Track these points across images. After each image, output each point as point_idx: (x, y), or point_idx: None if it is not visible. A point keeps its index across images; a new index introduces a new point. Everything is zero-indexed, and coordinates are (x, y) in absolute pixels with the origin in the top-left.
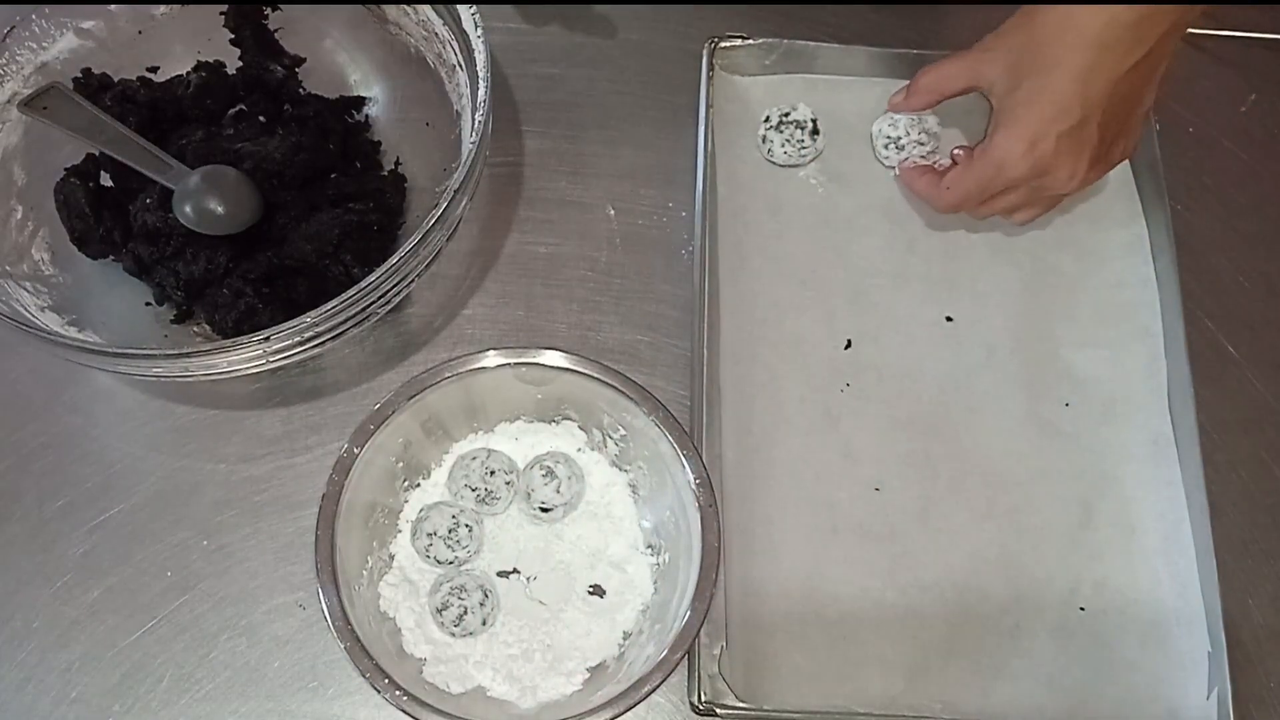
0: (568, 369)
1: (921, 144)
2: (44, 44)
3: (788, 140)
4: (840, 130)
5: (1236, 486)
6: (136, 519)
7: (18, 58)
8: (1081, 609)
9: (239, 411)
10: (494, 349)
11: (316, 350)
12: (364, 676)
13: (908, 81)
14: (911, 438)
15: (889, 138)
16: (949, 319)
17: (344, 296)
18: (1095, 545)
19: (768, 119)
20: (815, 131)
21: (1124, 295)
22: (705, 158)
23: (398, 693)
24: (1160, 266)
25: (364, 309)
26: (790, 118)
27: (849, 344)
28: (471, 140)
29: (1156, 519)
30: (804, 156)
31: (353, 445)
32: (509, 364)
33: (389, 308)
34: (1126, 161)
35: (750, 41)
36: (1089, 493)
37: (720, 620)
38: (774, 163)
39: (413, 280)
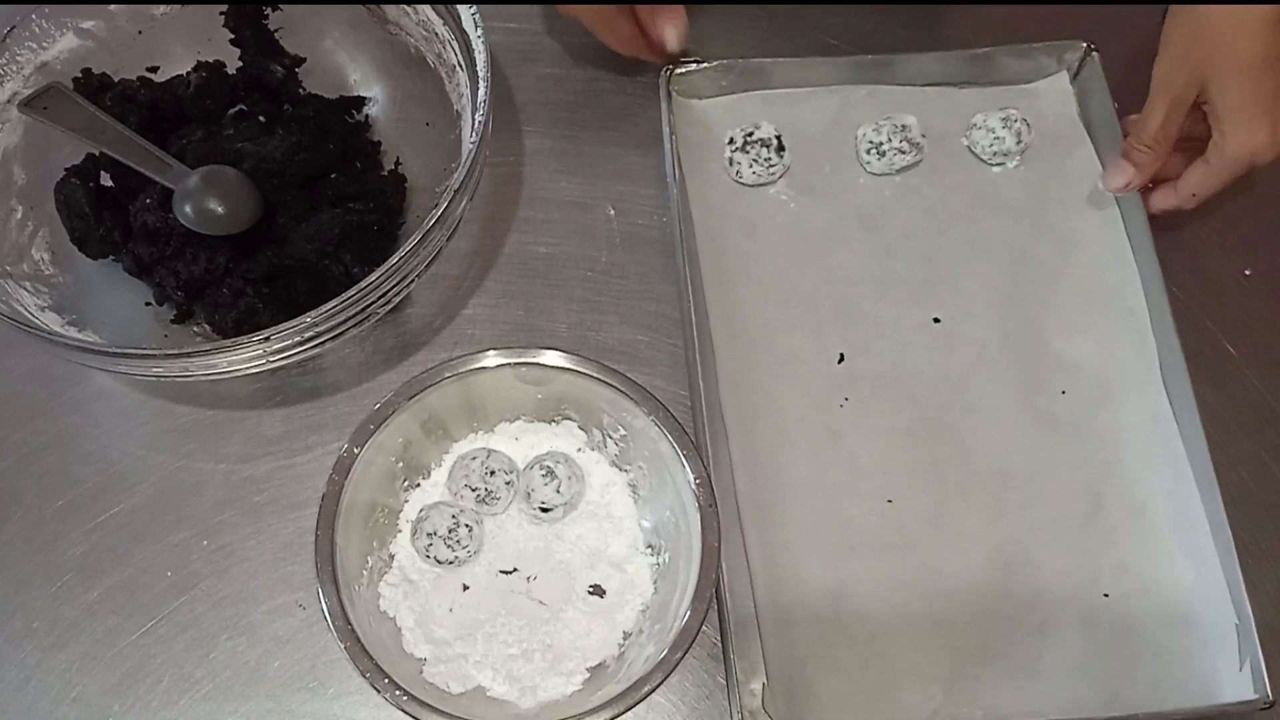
0: (568, 369)
1: (903, 152)
2: (44, 44)
3: (755, 160)
4: (805, 143)
5: (1236, 486)
6: (136, 519)
7: (18, 58)
8: (1105, 595)
9: (239, 411)
10: (494, 349)
11: (316, 350)
12: (364, 676)
13: (870, 87)
14: (915, 444)
15: (872, 143)
16: (936, 320)
17: (344, 296)
18: (1109, 530)
19: (732, 141)
20: (781, 148)
21: (1105, 278)
22: (676, 185)
23: (398, 693)
24: (1136, 243)
25: (364, 309)
26: (754, 137)
27: (841, 358)
28: (471, 140)
29: (1166, 496)
30: (772, 174)
31: (353, 445)
32: (509, 364)
33: (389, 308)
34: (1090, 144)
35: (705, 65)
36: (1096, 479)
37: (757, 657)
38: (743, 184)
39: (413, 280)
